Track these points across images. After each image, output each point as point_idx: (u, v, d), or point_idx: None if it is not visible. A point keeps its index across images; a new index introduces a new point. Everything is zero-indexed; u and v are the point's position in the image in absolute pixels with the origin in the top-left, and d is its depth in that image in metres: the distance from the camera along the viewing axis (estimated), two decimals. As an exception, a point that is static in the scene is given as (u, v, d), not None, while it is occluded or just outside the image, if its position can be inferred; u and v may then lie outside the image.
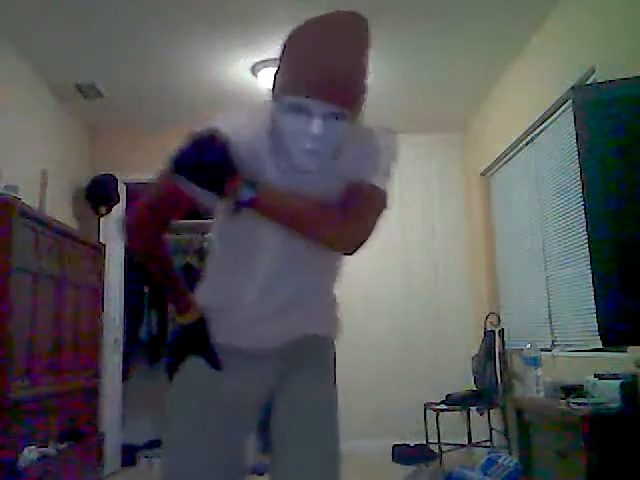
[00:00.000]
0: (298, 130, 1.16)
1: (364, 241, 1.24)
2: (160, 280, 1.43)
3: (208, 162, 1.10)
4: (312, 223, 1.23)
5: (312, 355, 1.44)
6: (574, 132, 2.47)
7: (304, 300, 1.37)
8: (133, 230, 1.33)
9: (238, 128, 1.21)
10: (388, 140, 1.33)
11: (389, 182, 1.30)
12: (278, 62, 1.21)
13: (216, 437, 1.35)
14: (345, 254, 1.29)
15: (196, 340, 1.36)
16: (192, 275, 5.02)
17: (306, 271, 1.36)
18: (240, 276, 1.36)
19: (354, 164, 1.27)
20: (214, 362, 1.35)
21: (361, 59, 1.17)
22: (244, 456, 1.42)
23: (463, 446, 4.65)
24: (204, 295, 1.42)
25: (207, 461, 1.32)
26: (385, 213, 1.30)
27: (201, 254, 5.55)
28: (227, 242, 1.38)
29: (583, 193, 2.42)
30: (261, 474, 4.28)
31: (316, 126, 1.14)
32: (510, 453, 4.10)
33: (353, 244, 1.24)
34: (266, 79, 4.31)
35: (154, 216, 1.32)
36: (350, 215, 1.24)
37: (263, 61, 4.17)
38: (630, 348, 2.77)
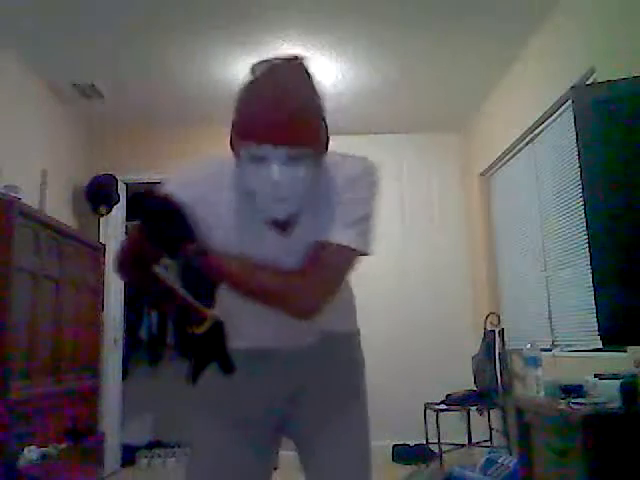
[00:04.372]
0: (261, 181, 1.15)
1: (321, 304, 1.22)
2: (164, 308, 1.46)
3: (162, 228, 1.18)
4: (263, 294, 1.23)
5: (334, 377, 1.44)
6: (574, 132, 2.47)
7: None
8: (120, 269, 1.40)
9: (193, 187, 1.24)
10: (359, 183, 1.26)
11: (362, 227, 1.25)
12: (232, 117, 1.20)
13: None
14: (304, 317, 1.25)
15: (212, 347, 1.36)
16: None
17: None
18: None
19: (317, 223, 1.24)
20: (227, 367, 1.34)
21: (306, 96, 1.16)
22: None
23: (463, 446, 4.65)
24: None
25: None
26: (356, 263, 1.28)
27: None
28: None
29: (583, 193, 2.43)
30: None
31: (275, 172, 1.12)
32: (510, 453, 4.10)
33: (307, 312, 1.23)
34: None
35: (135, 259, 1.36)
36: (305, 282, 1.21)
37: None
38: (630, 348, 2.78)
